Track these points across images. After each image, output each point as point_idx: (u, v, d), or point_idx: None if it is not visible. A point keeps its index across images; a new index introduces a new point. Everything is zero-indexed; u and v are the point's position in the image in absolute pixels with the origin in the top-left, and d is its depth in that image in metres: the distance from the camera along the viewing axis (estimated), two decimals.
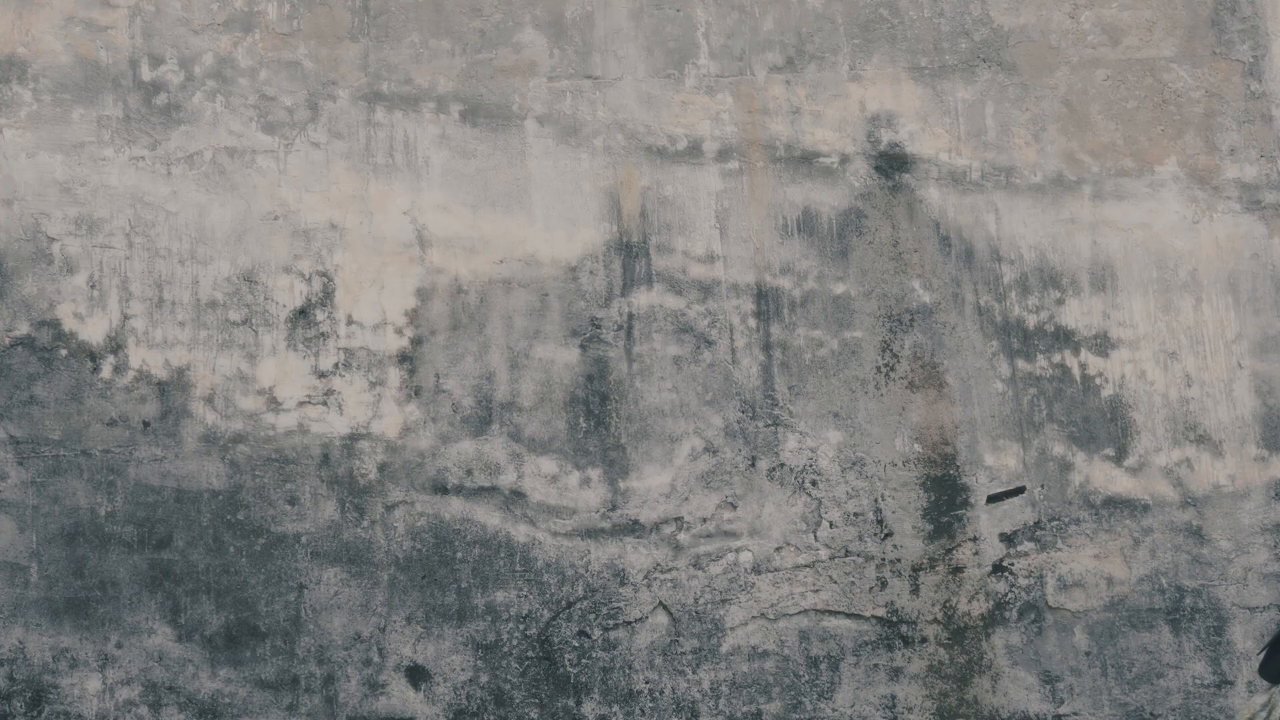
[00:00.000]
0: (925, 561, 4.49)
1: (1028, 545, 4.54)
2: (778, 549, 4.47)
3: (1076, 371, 4.63)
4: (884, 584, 4.48)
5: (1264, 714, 3.62)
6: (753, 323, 4.58)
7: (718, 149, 4.65)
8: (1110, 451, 4.59)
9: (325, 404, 4.40)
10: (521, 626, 4.37)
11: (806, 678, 4.41)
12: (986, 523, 4.54)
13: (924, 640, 4.45)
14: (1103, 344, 4.65)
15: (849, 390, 4.57)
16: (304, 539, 4.34)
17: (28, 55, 4.47)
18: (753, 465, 4.51)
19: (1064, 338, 4.65)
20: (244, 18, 4.57)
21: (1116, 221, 4.72)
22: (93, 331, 4.36)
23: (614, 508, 4.45)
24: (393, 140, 4.56)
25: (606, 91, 4.66)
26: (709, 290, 4.58)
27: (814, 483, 4.51)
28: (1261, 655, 3.63)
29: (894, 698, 4.42)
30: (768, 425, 4.53)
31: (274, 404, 4.38)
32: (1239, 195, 4.75)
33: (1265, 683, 3.75)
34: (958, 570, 4.50)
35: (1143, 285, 4.69)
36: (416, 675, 4.33)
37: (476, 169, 4.57)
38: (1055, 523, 4.55)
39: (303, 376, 4.41)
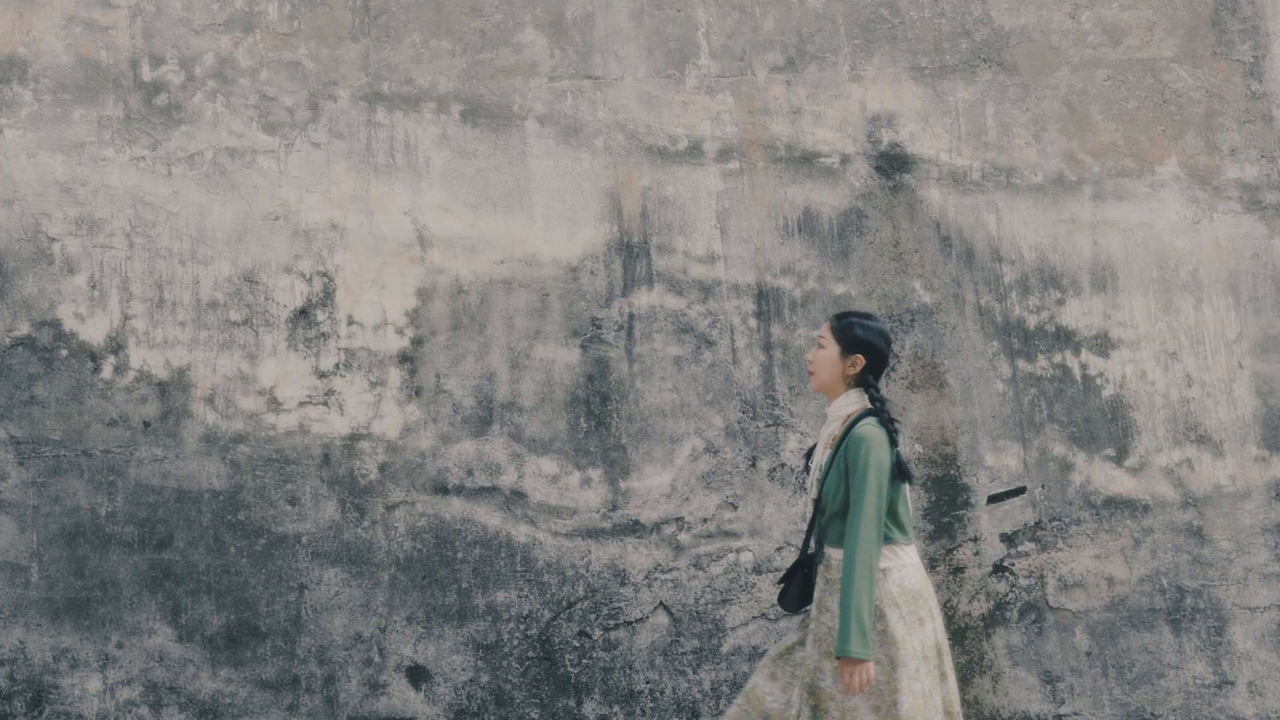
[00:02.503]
0: (926, 561, 4.49)
1: (1028, 545, 4.54)
2: (779, 549, 4.47)
3: (1077, 372, 4.63)
4: None
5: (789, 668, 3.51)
6: (753, 323, 4.57)
7: (718, 149, 4.65)
8: (1111, 451, 4.59)
9: (326, 404, 4.40)
10: (522, 627, 4.37)
11: None
12: (987, 523, 4.54)
13: None
14: (1103, 344, 4.65)
15: None
16: (304, 539, 4.34)
17: (28, 55, 4.46)
18: (753, 465, 4.50)
19: (1064, 338, 4.64)
20: (244, 18, 4.57)
21: (1117, 222, 4.71)
22: (93, 332, 4.36)
23: (615, 508, 4.45)
24: (393, 140, 4.56)
25: (607, 91, 4.65)
26: (710, 290, 4.58)
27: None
28: (781, 585, 3.78)
29: None
30: (768, 425, 4.53)
31: (275, 404, 4.38)
32: (1239, 195, 4.75)
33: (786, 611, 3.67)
34: (958, 570, 4.50)
35: (1143, 285, 4.69)
36: (417, 675, 4.33)
37: (477, 169, 4.57)
38: (1056, 523, 4.55)
39: (303, 377, 4.41)
